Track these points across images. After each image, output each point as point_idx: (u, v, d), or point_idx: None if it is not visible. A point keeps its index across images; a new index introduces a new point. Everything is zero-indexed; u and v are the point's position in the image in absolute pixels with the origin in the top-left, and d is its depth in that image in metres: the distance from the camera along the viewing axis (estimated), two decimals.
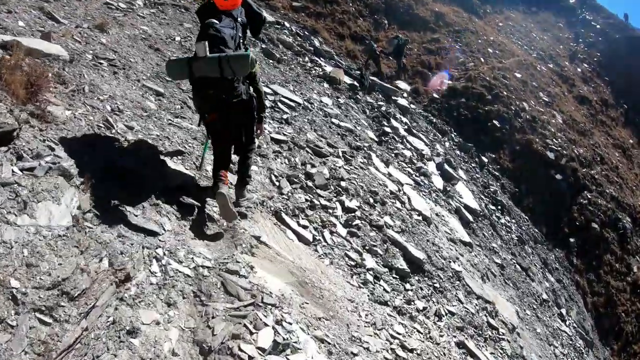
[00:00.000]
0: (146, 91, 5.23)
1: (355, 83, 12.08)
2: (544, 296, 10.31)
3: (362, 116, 10.87)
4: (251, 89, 3.87)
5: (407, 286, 5.64)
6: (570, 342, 9.68)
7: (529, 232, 12.85)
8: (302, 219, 5.00)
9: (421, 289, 5.92)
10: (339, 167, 7.08)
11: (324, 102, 9.76)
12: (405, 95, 13.87)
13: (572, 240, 13.01)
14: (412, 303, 5.35)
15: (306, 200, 5.49)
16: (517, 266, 10.54)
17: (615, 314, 12.42)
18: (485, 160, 14.01)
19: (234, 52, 3.54)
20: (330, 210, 5.73)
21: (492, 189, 13.18)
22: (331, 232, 5.30)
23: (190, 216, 3.62)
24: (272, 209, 4.68)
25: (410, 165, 10.28)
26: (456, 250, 8.16)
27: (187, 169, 4.26)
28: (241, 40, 3.74)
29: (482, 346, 6.11)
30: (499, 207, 12.69)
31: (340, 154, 7.74)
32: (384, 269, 5.53)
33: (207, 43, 3.41)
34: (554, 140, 14.45)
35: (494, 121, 14.25)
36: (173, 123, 4.96)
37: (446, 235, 8.41)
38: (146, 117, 4.64)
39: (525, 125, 14.44)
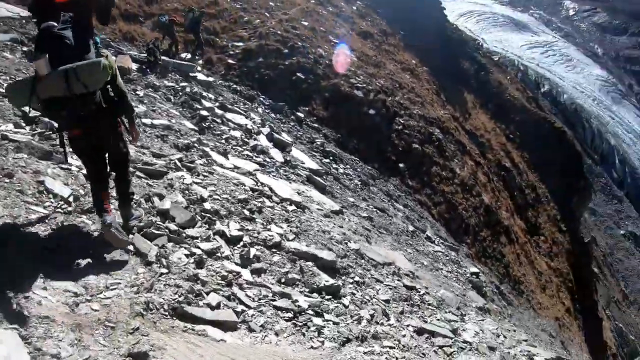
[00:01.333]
0: None
1: (144, 67, 9.61)
2: (411, 228, 10.59)
3: (169, 105, 8.73)
4: (111, 92, 3.25)
5: (345, 301, 4.58)
6: (447, 257, 10.24)
7: (365, 172, 13.05)
8: (206, 293, 3.23)
9: (353, 294, 4.94)
10: (190, 184, 5.22)
11: None
12: (199, 68, 11.90)
13: (401, 165, 13.74)
14: (361, 319, 4.40)
15: (186, 256, 3.67)
16: (377, 211, 10.48)
17: (459, 215, 13.90)
18: (301, 115, 13.44)
19: (80, 60, 2.90)
20: (218, 253, 4.05)
21: (318, 142, 12.78)
22: (241, 287, 3.70)
23: None
24: (166, 306, 2.79)
25: (245, 147, 8.84)
26: (336, 225, 7.35)
27: None
28: (90, 39, 3.09)
29: (424, 315, 5.66)
30: (332, 158, 12.43)
31: (178, 164, 5.81)
32: (316, 297, 4.30)
33: (47, 56, 2.84)
34: (357, 78, 14.72)
35: (298, 74, 13.59)
36: None
37: (320, 213, 7.48)
38: None
39: (327, 70, 14.23)
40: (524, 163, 22.03)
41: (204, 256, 3.79)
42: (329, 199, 8.84)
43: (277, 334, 3.27)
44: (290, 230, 5.47)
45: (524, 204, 19.29)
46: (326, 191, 9.32)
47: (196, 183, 5.43)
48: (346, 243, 6.48)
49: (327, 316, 4.08)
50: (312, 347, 3.34)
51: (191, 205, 4.72)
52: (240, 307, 3.33)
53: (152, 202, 4.38)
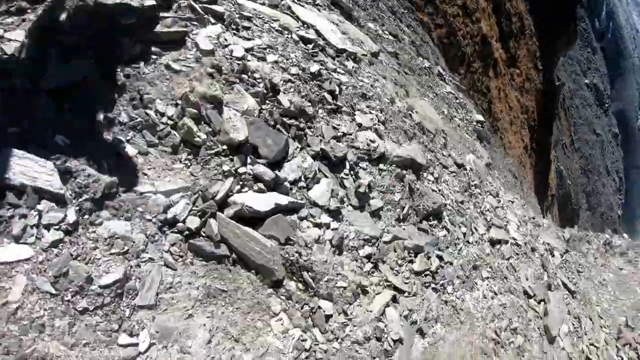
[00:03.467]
0: None
1: None
2: (426, 64, 9.47)
3: None
4: None
5: (445, 222, 4.15)
6: (457, 100, 9.62)
7: None
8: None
9: (444, 205, 4.34)
10: (244, 58, 3.71)
11: None
12: None
13: None
14: (461, 246, 4.11)
15: (318, 240, 2.74)
16: (395, 41, 9.03)
17: (457, 41, 12.56)
18: None
19: None
20: (339, 206, 3.08)
21: None
22: (389, 266, 2.96)
23: None
24: None
25: None
26: (381, 77, 6.12)
27: None
28: None
29: (481, 208, 5.40)
30: None
31: (198, 9, 4.01)
32: (427, 230, 3.78)
33: None
34: None
35: None
36: None
37: (366, 61, 6.10)
38: None
39: None
40: None
41: (332, 224, 2.84)
42: (359, 29, 7.25)
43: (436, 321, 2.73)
44: (377, 118, 4.33)
45: (508, 33, 17.82)
46: (353, 18, 7.61)
47: (248, 51, 3.80)
48: (410, 115, 5.51)
49: (445, 256, 3.57)
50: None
51: (264, 108, 3.32)
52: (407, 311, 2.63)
53: (208, 120, 2.90)
